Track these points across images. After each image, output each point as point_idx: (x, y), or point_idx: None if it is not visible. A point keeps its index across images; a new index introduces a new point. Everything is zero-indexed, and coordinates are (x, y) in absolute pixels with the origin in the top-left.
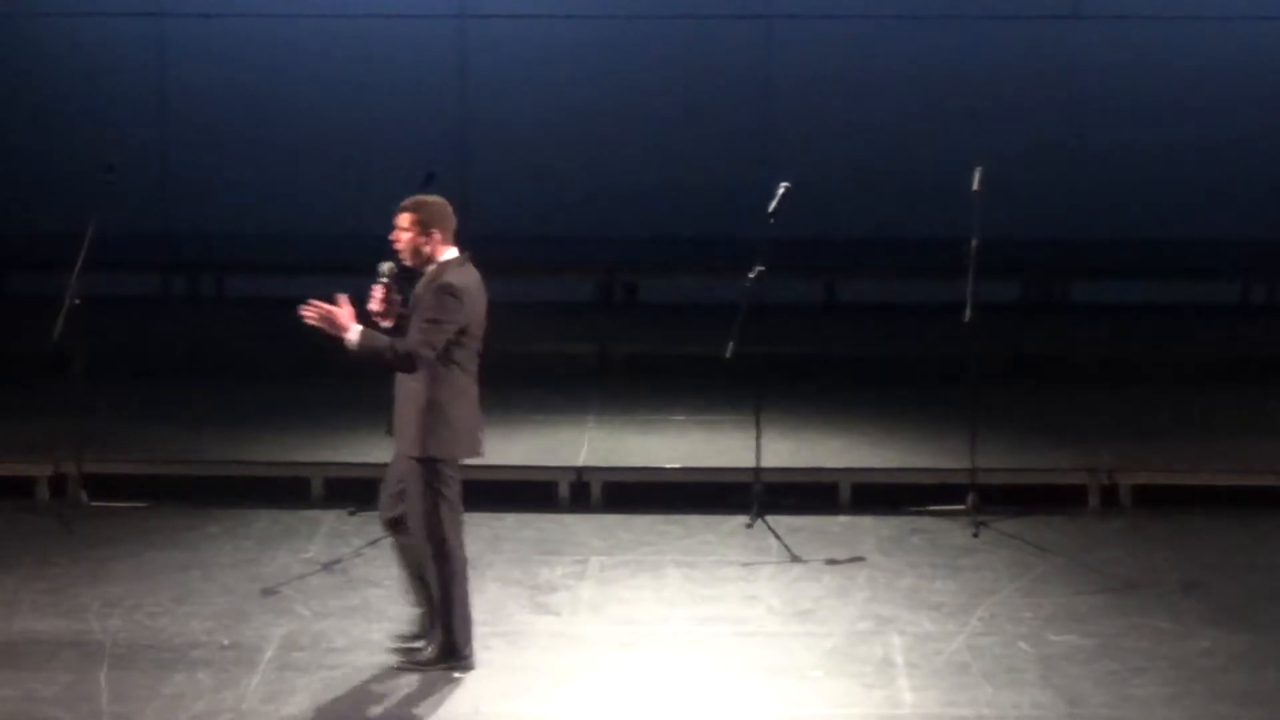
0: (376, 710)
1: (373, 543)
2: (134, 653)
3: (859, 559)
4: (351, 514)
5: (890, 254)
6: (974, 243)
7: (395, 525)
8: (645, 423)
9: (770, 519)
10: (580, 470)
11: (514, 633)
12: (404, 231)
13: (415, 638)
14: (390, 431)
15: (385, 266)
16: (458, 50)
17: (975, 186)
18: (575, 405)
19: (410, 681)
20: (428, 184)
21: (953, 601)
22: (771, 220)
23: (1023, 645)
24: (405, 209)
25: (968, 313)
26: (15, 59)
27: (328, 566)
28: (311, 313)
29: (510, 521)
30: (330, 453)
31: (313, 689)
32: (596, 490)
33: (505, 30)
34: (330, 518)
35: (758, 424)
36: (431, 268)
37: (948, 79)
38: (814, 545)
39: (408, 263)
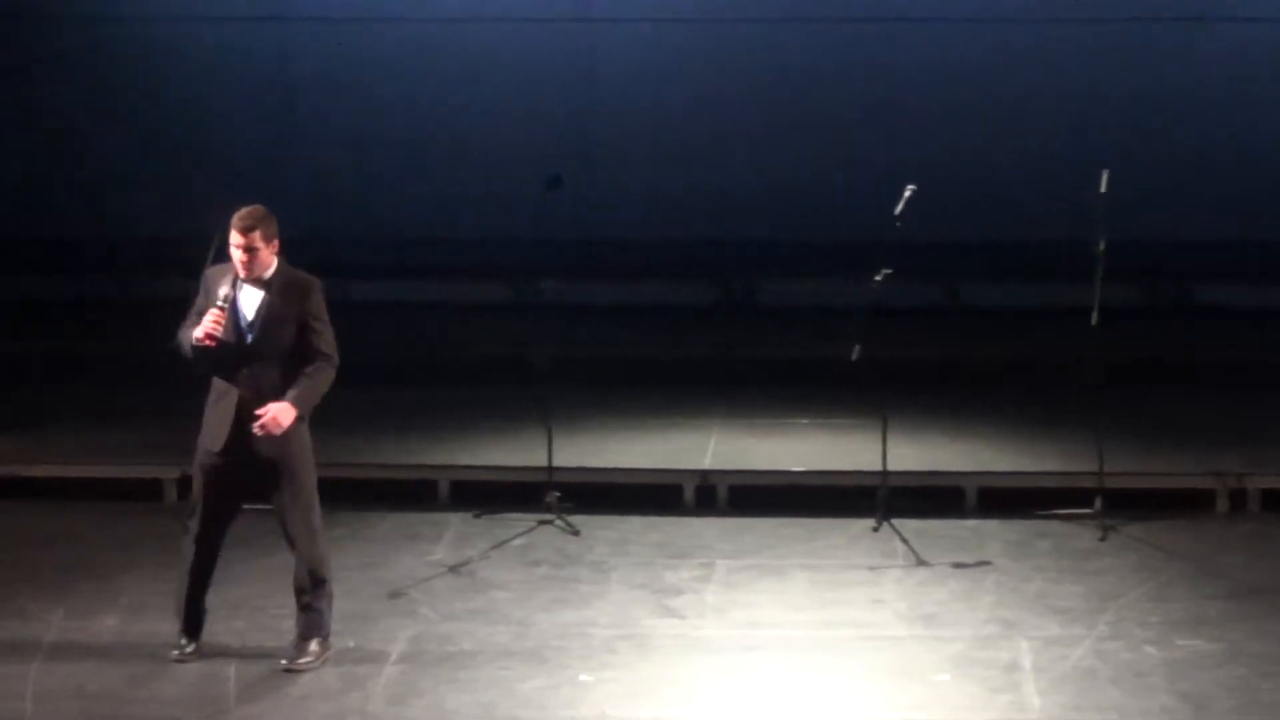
0: (502, 712)
1: (498, 545)
2: (261, 654)
3: (985, 563)
4: (477, 517)
5: (1015, 257)
6: (1100, 246)
7: None
8: (770, 426)
9: (896, 522)
10: (705, 473)
11: (639, 636)
12: (257, 248)
13: None
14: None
15: (225, 293)
16: (582, 54)
17: (1102, 189)
18: (700, 409)
19: (536, 685)
20: (553, 188)
21: (1079, 606)
22: (897, 224)
23: (1149, 650)
24: (251, 227)
25: (1095, 316)
26: (141, 63)
27: (454, 569)
28: (259, 431)
29: (636, 525)
30: (456, 456)
31: (438, 691)
32: (722, 493)
33: (629, 34)
34: (456, 520)
35: (883, 427)
36: (270, 274)
37: (1073, 82)
38: (940, 549)
39: (250, 275)
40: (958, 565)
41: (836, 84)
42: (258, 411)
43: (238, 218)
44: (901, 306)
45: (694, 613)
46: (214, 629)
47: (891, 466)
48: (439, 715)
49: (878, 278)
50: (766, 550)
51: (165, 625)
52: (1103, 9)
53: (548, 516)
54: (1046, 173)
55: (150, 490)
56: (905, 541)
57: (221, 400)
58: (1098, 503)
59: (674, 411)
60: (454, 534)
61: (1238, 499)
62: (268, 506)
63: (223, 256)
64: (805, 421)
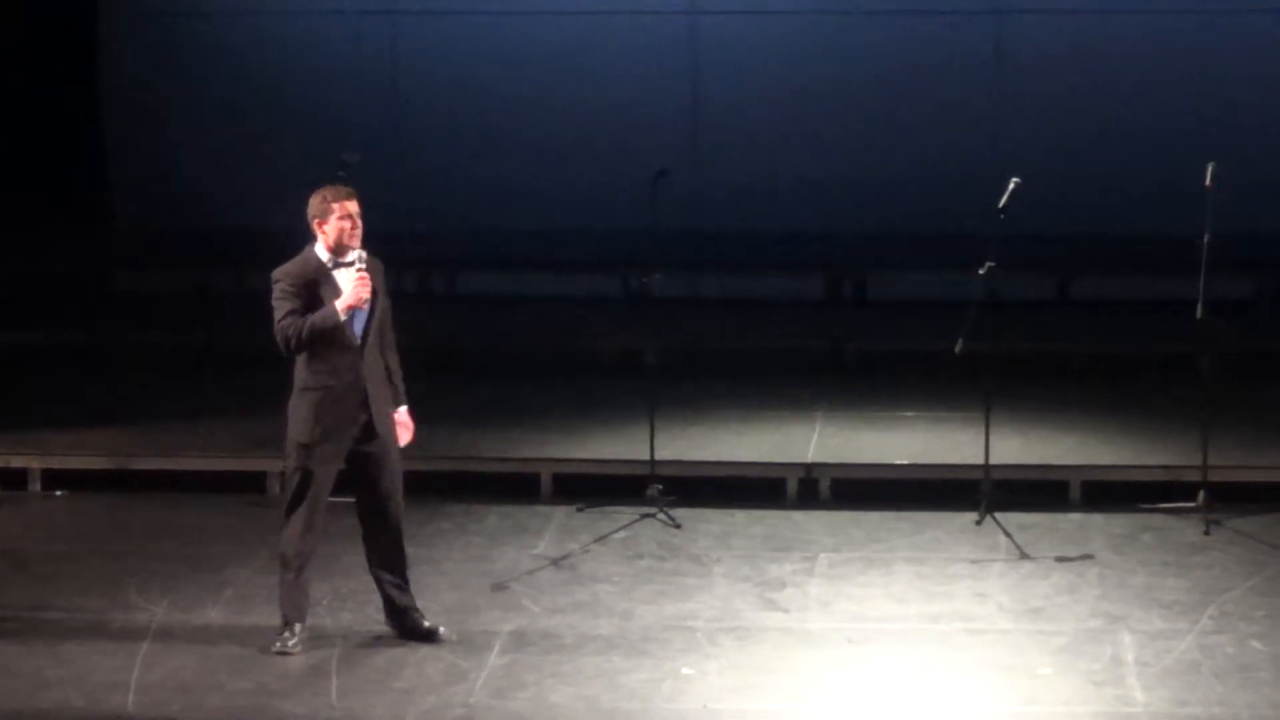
0: (605, 705)
1: (601, 538)
2: (365, 646)
3: (1089, 556)
4: (580, 510)
5: (1124, 250)
6: (1205, 239)
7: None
8: (874, 419)
9: (1000, 516)
10: (809, 466)
11: (743, 629)
12: (359, 217)
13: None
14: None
15: (355, 257)
16: (689, 47)
17: (1208, 182)
18: (804, 402)
19: (638, 677)
20: (660, 180)
21: (1184, 600)
22: (1002, 216)
23: (1255, 644)
24: (354, 196)
25: (1200, 309)
26: (252, 56)
27: (556, 562)
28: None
29: (740, 518)
30: (559, 449)
31: (541, 684)
32: (825, 486)
33: (737, 26)
34: (559, 514)
35: (986, 420)
36: (363, 253)
37: (1177, 74)
38: (1044, 542)
39: (357, 245)
40: (1061, 559)
41: (944, 76)
42: (402, 433)
43: (346, 191)
44: (1010, 299)
45: (797, 606)
46: (319, 621)
47: (995, 460)
48: (542, 708)
49: (981, 271)
50: (870, 543)
51: (271, 618)
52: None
53: (650, 510)
54: (1156, 164)
55: (255, 483)
56: (1008, 535)
57: (336, 390)
58: (1202, 496)
59: (779, 405)
60: (557, 527)
61: None
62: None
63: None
64: (910, 414)
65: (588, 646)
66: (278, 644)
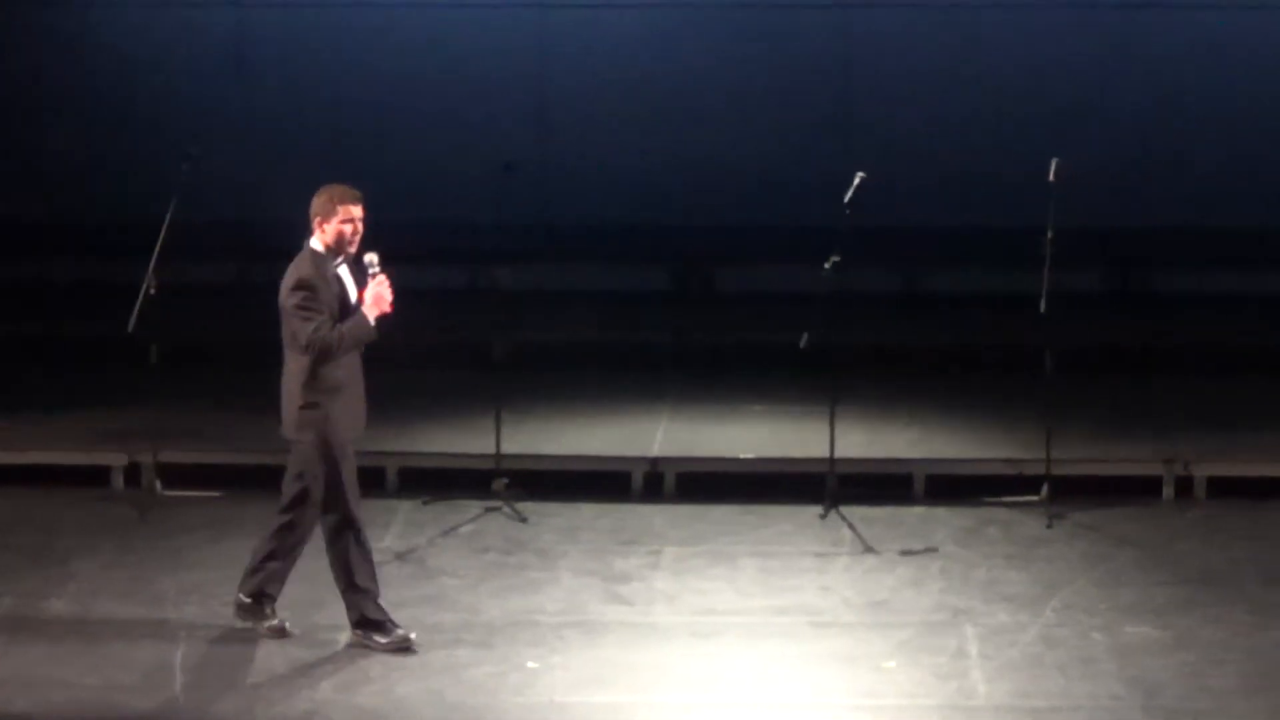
0: (451, 698)
1: (447, 532)
2: (211, 641)
3: (933, 550)
4: (425, 504)
5: (969, 244)
6: (1049, 234)
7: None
8: (720, 413)
9: (845, 509)
10: (655, 460)
11: (589, 623)
12: (361, 222)
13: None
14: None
15: (370, 259)
16: (536, 40)
17: (1051, 177)
18: (651, 396)
19: (484, 671)
20: (507, 173)
21: (1027, 593)
22: (848, 211)
23: (1097, 637)
24: (360, 200)
25: (1043, 303)
26: (95, 49)
27: (402, 556)
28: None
29: (586, 511)
30: (405, 442)
31: (388, 678)
32: (670, 480)
33: (584, 19)
34: (405, 507)
35: (832, 414)
36: (375, 256)
37: (1026, 69)
38: (888, 536)
39: (357, 250)
40: (906, 552)
41: (795, 69)
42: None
43: (353, 194)
44: (856, 293)
45: (643, 599)
46: (166, 615)
47: (840, 453)
48: (388, 701)
49: (827, 265)
50: (716, 537)
51: (117, 611)
52: None
53: (496, 503)
54: (1003, 159)
55: (100, 477)
56: (853, 529)
57: (350, 385)
58: (1045, 489)
59: (626, 398)
60: (403, 520)
61: (1185, 486)
62: (216, 494)
63: None
64: (756, 408)
65: (434, 640)
66: (390, 639)
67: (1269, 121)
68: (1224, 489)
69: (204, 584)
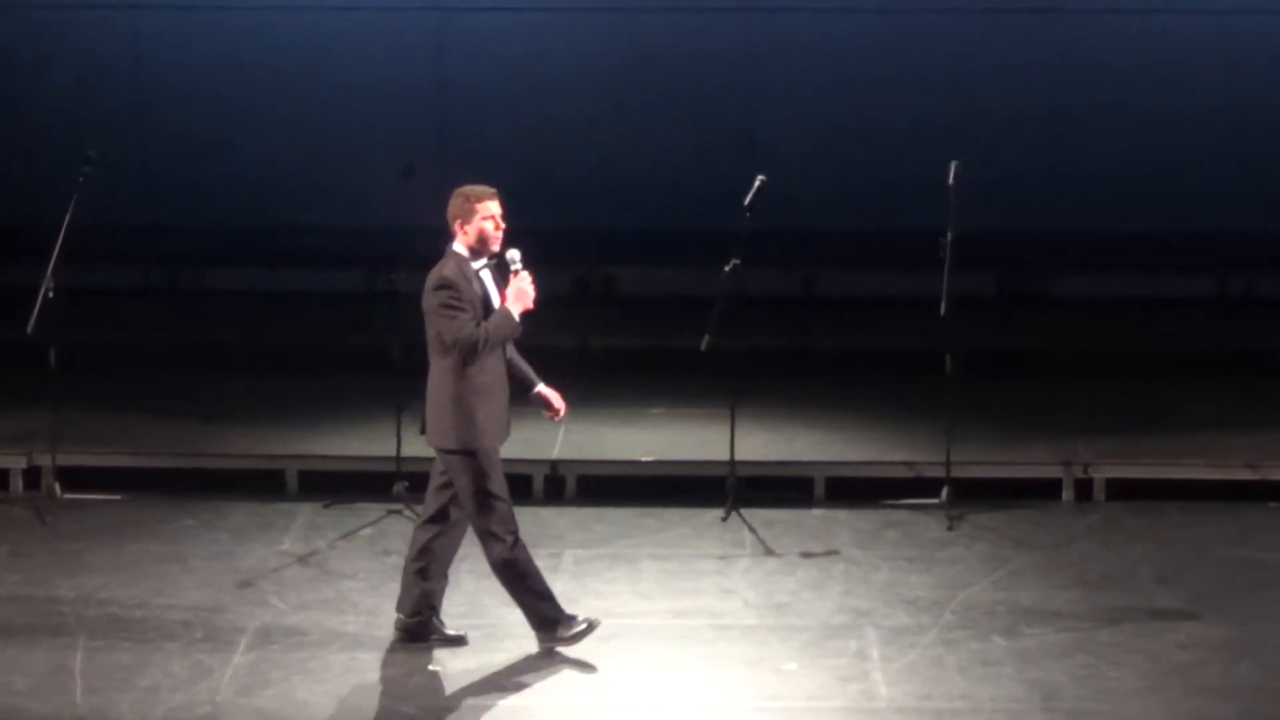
0: (351, 702)
1: (347, 535)
2: (110, 645)
3: (834, 552)
4: (326, 507)
5: (868, 247)
6: (948, 236)
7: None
8: (621, 416)
9: (745, 512)
10: (555, 463)
11: (490, 626)
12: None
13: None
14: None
15: (512, 255)
16: (437, 43)
17: (950, 180)
18: None
19: (386, 674)
20: (407, 177)
21: (928, 595)
22: (748, 214)
23: (998, 639)
24: (496, 196)
25: (943, 306)
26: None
27: (303, 559)
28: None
29: None
30: (306, 445)
31: (288, 681)
32: (571, 483)
33: (485, 22)
34: (306, 510)
35: (732, 417)
36: (517, 253)
37: (928, 73)
38: (790, 539)
39: (497, 246)
40: (806, 555)
41: (697, 73)
42: (554, 402)
43: (489, 191)
44: (756, 296)
45: None
46: (64, 619)
47: (741, 456)
48: (289, 705)
49: (727, 268)
50: (616, 540)
51: (17, 613)
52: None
53: (397, 506)
54: (902, 161)
55: None
56: (754, 531)
57: (496, 389)
58: (945, 492)
59: (525, 401)
60: (303, 524)
61: (1084, 488)
62: (117, 497)
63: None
64: (656, 411)
65: (334, 643)
66: (576, 629)
67: (1166, 126)
68: (1122, 491)
69: (104, 587)
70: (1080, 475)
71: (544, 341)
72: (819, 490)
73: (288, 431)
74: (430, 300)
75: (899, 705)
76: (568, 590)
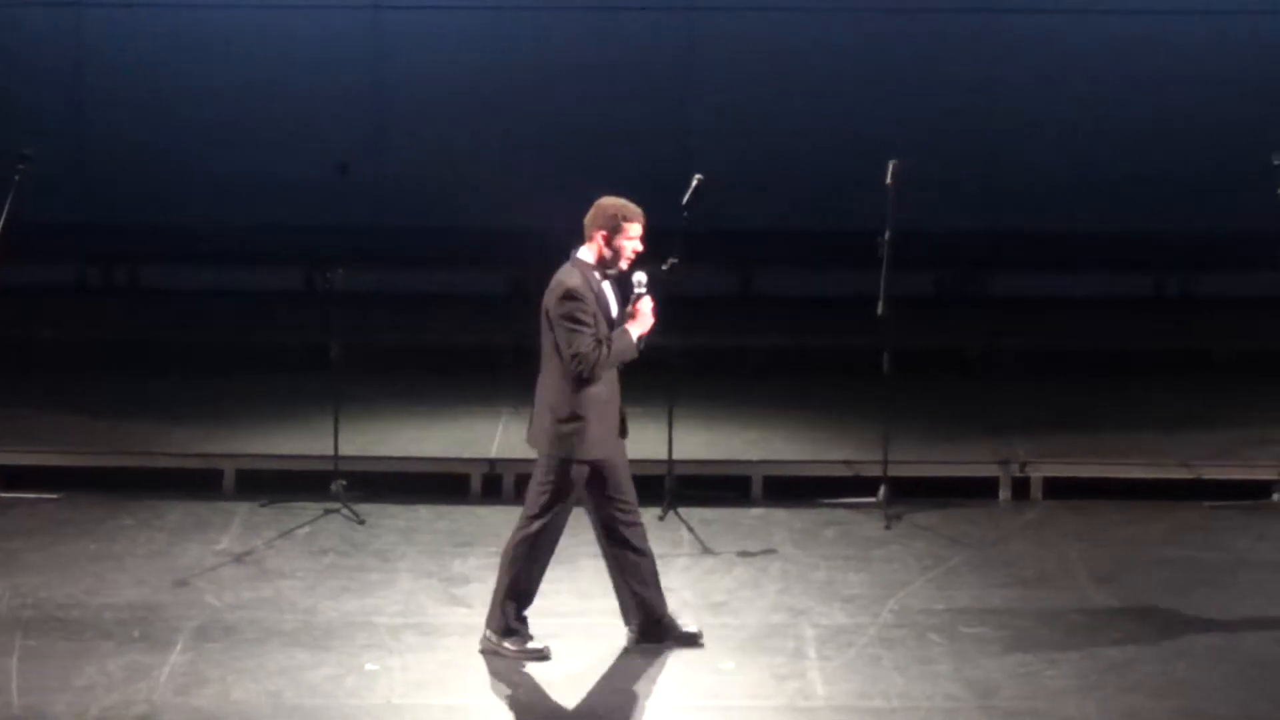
0: (289, 701)
1: (285, 534)
2: (46, 644)
3: (772, 551)
4: (264, 505)
5: (806, 246)
6: (886, 236)
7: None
8: None
9: (683, 511)
10: (493, 462)
11: (427, 625)
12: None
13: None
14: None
15: (640, 279)
16: (373, 40)
17: (888, 179)
18: (489, 397)
19: (322, 673)
20: (341, 175)
21: (865, 594)
22: (685, 213)
23: (935, 637)
24: (643, 218)
25: (881, 305)
26: None
27: (240, 558)
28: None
29: (424, 513)
30: (243, 444)
31: (225, 680)
32: (509, 482)
33: (420, 20)
34: (243, 509)
35: (670, 416)
36: (643, 276)
37: (864, 71)
38: (727, 537)
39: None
40: (744, 554)
41: (633, 72)
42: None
43: (639, 213)
44: (693, 295)
45: (481, 601)
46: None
47: (678, 455)
48: (225, 704)
49: (664, 266)
50: None
51: None
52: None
53: (334, 505)
54: (839, 161)
55: None
56: (692, 530)
57: (603, 405)
58: (883, 491)
59: (464, 400)
60: (241, 522)
61: (1022, 487)
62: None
63: None
64: None
65: (271, 642)
66: (522, 648)
67: (1102, 124)
68: (1059, 490)
69: (40, 586)
70: (1017, 474)
71: (482, 340)
72: (757, 489)
73: (225, 430)
74: (556, 309)
75: (836, 704)
76: None
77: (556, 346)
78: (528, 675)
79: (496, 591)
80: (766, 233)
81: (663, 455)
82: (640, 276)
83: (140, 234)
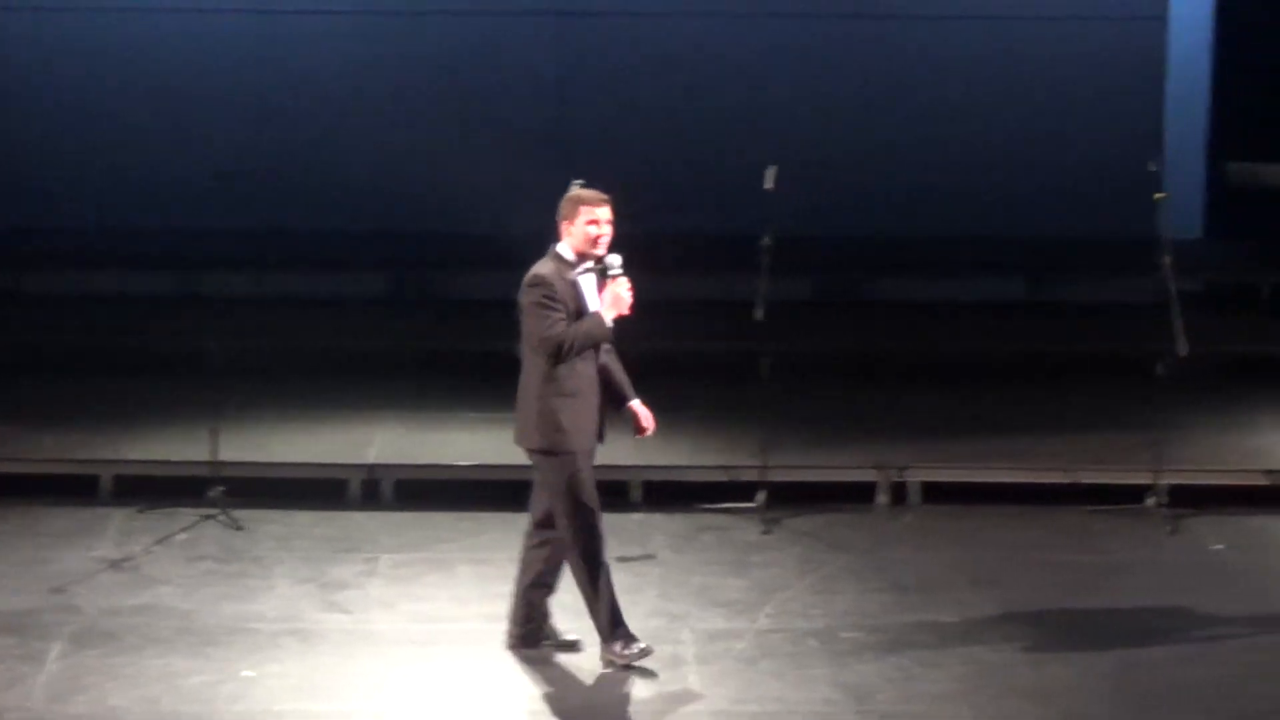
0: (166, 708)
1: (162, 540)
2: None
3: (650, 556)
4: (141, 511)
5: (686, 251)
6: (766, 240)
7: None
8: (438, 420)
9: None
10: (372, 467)
11: (305, 631)
12: (609, 224)
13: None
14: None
15: (611, 261)
16: (254, 45)
17: (768, 185)
18: (369, 402)
19: (200, 680)
20: (222, 180)
21: (743, 599)
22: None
23: (812, 642)
24: (606, 202)
25: (759, 310)
26: None
27: (117, 564)
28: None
29: (302, 519)
30: (120, 449)
31: (102, 687)
32: (387, 487)
33: (302, 26)
34: (120, 515)
35: None
36: (618, 258)
37: (742, 77)
38: (606, 542)
39: (601, 252)
40: (623, 559)
41: (512, 78)
42: (643, 420)
43: (599, 197)
44: None
45: (360, 607)
46: None
47: None
48: (102, 711)
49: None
50: (433, 544)
51: None
52: (771, 4)
53: (212, 511)
54: (719, 166)
55: None
56: None
57: (586, 394)
58: (761, 496)
59: (342, 405)
60: (117, 528)
61: (899, 492)
62: None
63: None
64: (472, 415)
65: (149, 649)
66: (632, 650)
67: (975, 129)
68: (937, 495)
69: None
70: (895, 479)
71: (362, 345)
72: (635, 494)
73: (103, 435)
74: (524, 297)
75: (714, 708)
76: (385, 595)
77: (530, 334)
78: (406, 682)
79: (589, 606)
80: (645, 236)
81: None
82: (613, 259)
83: (19, 238)
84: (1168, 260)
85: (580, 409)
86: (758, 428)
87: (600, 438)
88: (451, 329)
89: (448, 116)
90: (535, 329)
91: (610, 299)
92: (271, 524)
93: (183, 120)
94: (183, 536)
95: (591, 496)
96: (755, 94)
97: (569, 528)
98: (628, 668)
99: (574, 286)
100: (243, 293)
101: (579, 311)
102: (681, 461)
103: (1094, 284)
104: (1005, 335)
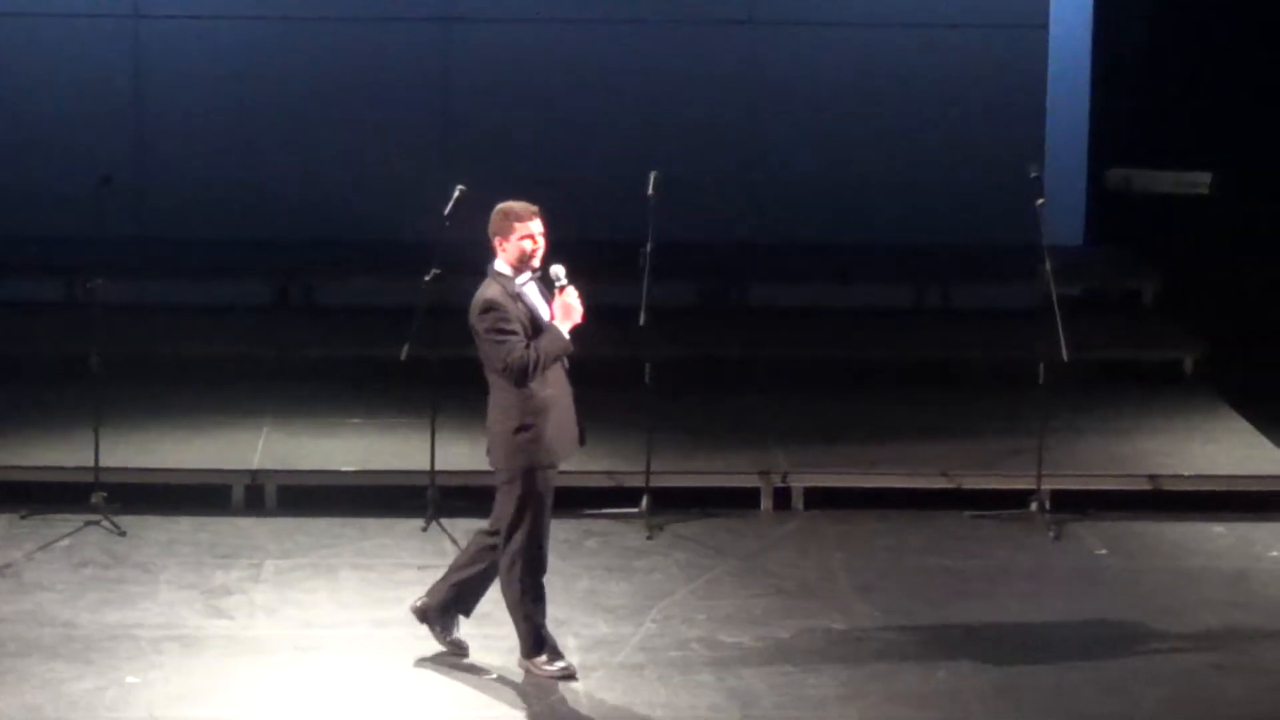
0: (48, 714)
1: (44, 546)
2: None
3: None
4: (23, 518)
5: (569, 256)
6: (648, 246)
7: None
8: (322, 425)
9: (446, 522)
10: (255, 473)
11: (188, 637)
12: (541, 236)
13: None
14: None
15: (557, 272)
16: (131, 51)
17: (650, 191)
18: (251, 408)
19: (83, 686)
20: (104, 186)
21: (628, 604)
22: (447, 224)
23: (697, 647)
24: (537, 214)
25: (643, 316)
26: None
27: None
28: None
29: (185, 525)
30: (1, 456)
31: None
32: (271, 493)
33: (181, 31)
34: (1, 522)
35: (433, 427)
36: (562, 268)
37: (625, 83)
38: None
39: (536, 265)
40: None
41: (394, 83)
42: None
43: (529, 210)
44: (454, 306)
45: (243, 613)
46: None
47: (441, 466)
48: None
49: (427, 277)
50: (317, 550)
51: None
52: (655, 11)
53: (94, 517)
54: (602, 171)
55: None
56: (455, 541)
57: (555, 409)
58: (645, 502)
59: (226, 411)
60: None
61: (783, 497)
62: None
63: None
64: (357, 420)
65: (31, 656)
66: (553, 667)
67: (863, 137)
68: (820, 500)
69: None
70: (778, 484)
71: (244, 351)
72: None
73: None
74: (478, 324)
75: (599, 714)
76: (268, 601)
77: (491, 364)
78: (289, 688)
79: (513, 617)
80: None
81: (426, 466)
82: (557, 269)
83: None
84: (1049, 266)
85: (558, 418)
86: (642, 433)
87: (581, 440)
88: (336, 335)
89: (331, 122)
90: (495, 356)
91: (562, 310)
92: (154, 530)
93: (61, 127)
94: (65, 543)
95: (547, 522)
96: (639, 100)
97: (519, 546)
98: (530, 674)
99: (522, 300)
100: (125, 299)
101: (534, 324)
102: (566, 466)
103: (978, 290)
104: (890, 341)
